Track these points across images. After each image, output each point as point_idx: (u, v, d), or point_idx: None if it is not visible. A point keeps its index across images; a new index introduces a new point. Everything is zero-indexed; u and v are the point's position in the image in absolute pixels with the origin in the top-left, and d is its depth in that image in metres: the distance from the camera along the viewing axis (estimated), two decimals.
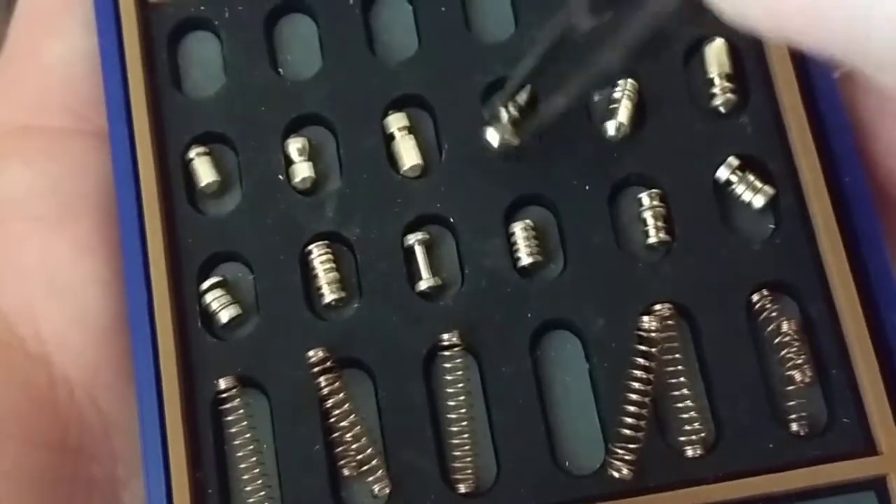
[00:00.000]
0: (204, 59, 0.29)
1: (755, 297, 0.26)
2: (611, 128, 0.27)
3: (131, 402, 0.26)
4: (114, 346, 0.27)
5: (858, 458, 0.24)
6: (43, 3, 0.30)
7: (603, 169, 0.27)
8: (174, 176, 0.28)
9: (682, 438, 0.25)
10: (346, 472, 0.25)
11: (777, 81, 0.27)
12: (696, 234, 0.27)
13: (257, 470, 0.25)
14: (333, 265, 0.27)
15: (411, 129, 0.28)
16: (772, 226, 0.27)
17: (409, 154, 0.28)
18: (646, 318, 0.25)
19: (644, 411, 0.25)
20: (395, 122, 0.28)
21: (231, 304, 0.27)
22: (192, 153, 0.28)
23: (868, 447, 0.25)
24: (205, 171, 0.28)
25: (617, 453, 0.25)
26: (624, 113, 0.27)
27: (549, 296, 0.26)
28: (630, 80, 0.27)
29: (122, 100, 0.28)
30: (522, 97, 0.27)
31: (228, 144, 0.28)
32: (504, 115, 0.26)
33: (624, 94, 0.27)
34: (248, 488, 0.25)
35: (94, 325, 0.27)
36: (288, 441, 0.26)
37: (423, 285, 0.27)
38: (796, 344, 0.25)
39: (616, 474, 0.24)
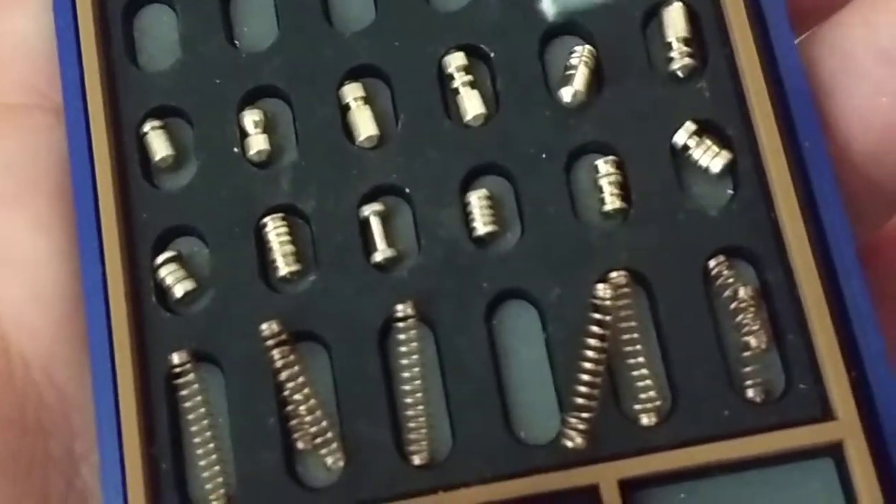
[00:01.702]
0: (159, 32, 0.29)
1: (712, 263, 0.26)
2: (567, 94, 0.27)
3: (88, 378, 0.26)
4: (70, 323, 0.27)
5: (815, 423, 0.24)
6: None
7: (559, 137, 0.27)
8: (129, 150, 0.28)
9: (637, 406, 0.25)
10: (300, 445, 0.25)
11: (736, 45, 0.27)
12: (652, 201, 0.26)
13: (212, 444, 0.25)
14: (289, 238, 0.27)
15: (367, 100, 0.28)
16: (730, 191, 0.26)
17: (364, 125, 0.27)
18: (600, 287, 0.25)
19: (598, 380, 0.24)
20: (351, 92, 0.28)
21: (185, 278, 0.27)
22: (146, 127, 0.28)
23: (825, 413, 0.24)
24: (159, 145, 0.28)
25: (571, 423, 0.24)
26: (580, 80, 0.27)
27: (505, 265, 0.26)
28: (587, 47, 0.27)
29: (77, 75, 0.28)
30: None
31: (184, 118, 0.28)
32: None
33: (581, 61, 0.27)
34: (203, 462, 0.25)
35: (51, 302, 0.27)
36: (242, 415, 0.25)
37: (378, 257, 0.26)
38: (753, 310, 0.25)
39: (570, 444, 0.24)
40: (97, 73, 0.28)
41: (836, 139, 0.27)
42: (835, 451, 0.24)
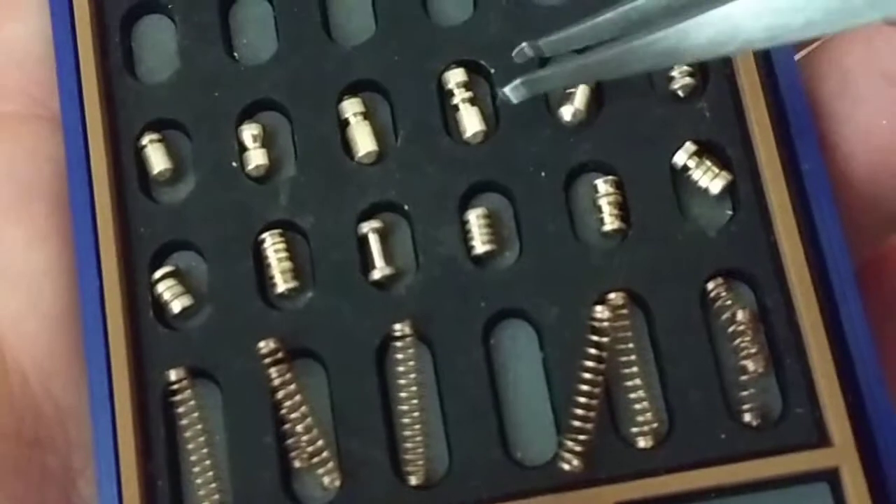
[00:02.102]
0: (158, 43, 0.29)
1: (710, 286, 0.26)
2: (567, 113, 0.27)
3: (86, 392, 0.26)
4: (68, 336, 0.27)
5: (811, 449, 0.24)
6: None
7: (559, 155, 0.27)
8: (127, 163, 0.28)
9: (634, 429, 0.25)
10: (297, 463, 0.25)
11: (737, 65, 0.27)
12: (651, 221, 0.26)
13: (208, 461, 0.25)
14: (287, 254, 0.27)
15: (367, 115, 0.28)
16: (729, 212, 0.26)
17: (363, 140, 0.27)
18: (598, 308, 0.25)
19: (595, 402, 0.24)
20: (350, 107, 0.28)
21: (183, 293, 0.26)
22: (144, 140, 0.28)
23: (821, 438, 0.24)
24: (158, 159, 0.28)
25: (567, 445, 0.24)
26: (580, 98, 0.27)
27: (504, 284, 0.26)
28: None
29: (74, 85, 0.28)
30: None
31: (182, 131, 0.28)
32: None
33: None
34: (199, 480, 0.25)
35: (48, 314, 0.27)
36: (239, 432, 0.25)
37: (376, 274, 0.26)
38: (750, 333, 0.25)
39: (566, 466, 0.24)
40: (95, 83, 0.28)
41: (835, 160, 0.26)
42: (831, 477, 0.24)
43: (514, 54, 0.26)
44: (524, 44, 0.26)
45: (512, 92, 0.26)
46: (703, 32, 0.22)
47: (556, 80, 0.26)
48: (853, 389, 0.25)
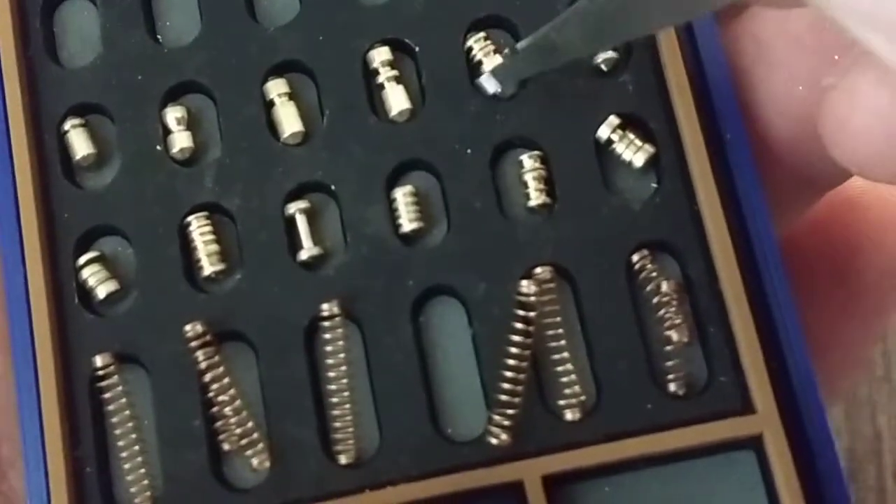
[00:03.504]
0: (80, 27, 0.28)
1: (635, 258, 0.26)
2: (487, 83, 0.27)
3: (13, 382, 0.26)
4: None
5: (736, 416, 0.24)
6: None
7: (484, 132, 0.27)
8: (49, 149, 0.27)
9: (561, 402, 0.25)
10: (226, 446, 0.25)
11: (658, 38, 0.27)
12: (577, 196, 0.26)
13: (137, 447, 0.25)
14: (213, 237, 0.26)
15: (292, 96, 0.27)
16: (653, 185, 0.27)
17: (289, 121, 0.27)
18: (524, 282, 0.25)
19: (522, 376, 0.25)
20: (275, 88, 0.27)
21: (108, 279, 0.26)
22: (67, 125, 0.27)
23: (745, 406, 0.25)
24: (80, 144, 0.27)
25: (496, 419, 0.25)
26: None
27: (432, 262, 0.26)
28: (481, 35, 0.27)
29: None
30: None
31: (105, 115, 0.28)
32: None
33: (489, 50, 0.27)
34: (128, 465, 0.25)
35: None
36: (167, 416, 0.25)
37: (304, 255, 0.26)
38: (675, 304, 0.25)
39: (494, 440, 0.24)
40: (16, 69, 0.27)
41: (756, 129, 0.27)
42: (756, 444, 0.24)
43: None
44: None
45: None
46: None
47: (527, 64, 0.26)
48: (777, 358, 0.25)
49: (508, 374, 0.25)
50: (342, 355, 0.25)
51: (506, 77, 0.26)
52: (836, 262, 0.30)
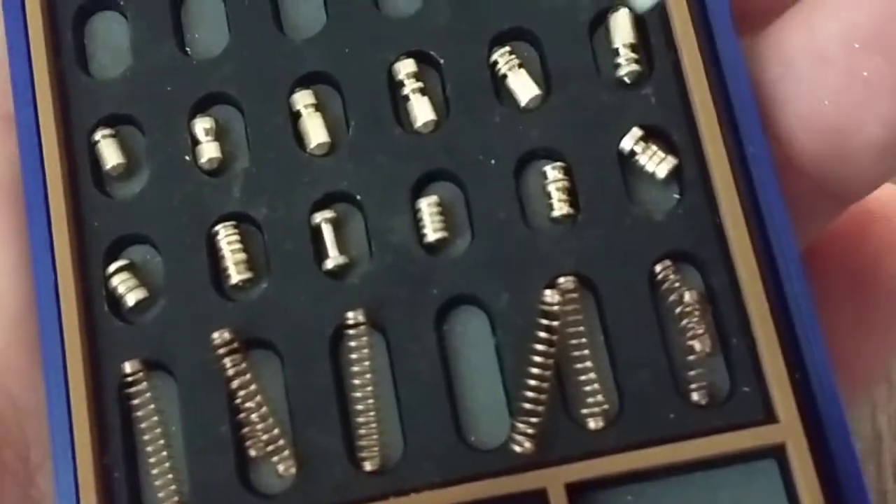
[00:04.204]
0: (110, 39, 0.29)
1: (658, 268, 0.26)
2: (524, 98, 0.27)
3: (43, 387, 0.26)
4: (24, 332, 0.27)
5: (758, 426, 0.24)
6: None
7: (508, 143, 0.27)
8: (80, 159, 0.28)
9: (584, 411, 0.25)
10: (252, 452, 0.25)
11: (681, 51, 0.27)
12: (600, 206, 0.27)
13: (164, 453, 0.26)
14: (240, 245, 0.27)
15: (318, 107, 0.28)
16: (676, 196, 0.27)
17: (315, 132, 0.28)
18: (548, 292, 0.25)
19: (545, 385, 0.25)
20: (302, 99, 0.28)
21: (137, 286, 0.27)
22: (97, 135, 0.28)
23: (768, 416, 0.25)
24: (111, 154, 0.28)
25: (519, 428, 0.25)
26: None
27: (456, 271, 0.26)
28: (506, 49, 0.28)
29: (27, 82, 0.28)
30: None
31: (135, 126, 0.28)
32: None
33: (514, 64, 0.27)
34: (156, 471, 0.25)
35: (4, 310, 0.27)
36: (194, 423, 0.26)
37: (329, 264, 0.27)
38: (698, 314, 0.25)
39: (518, 448, 0.25)
40: (48, 80, 0.28)
41: (780, 144, 0.27)
42: (778, 453, 0.24)
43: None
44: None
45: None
46: None
47: None
48: (799, 367, 0.25)
49: (532, 382, 0.25)
50: (367, 363, 0.26)
51: None
52: (857, 273, 0.30)
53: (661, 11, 0.27)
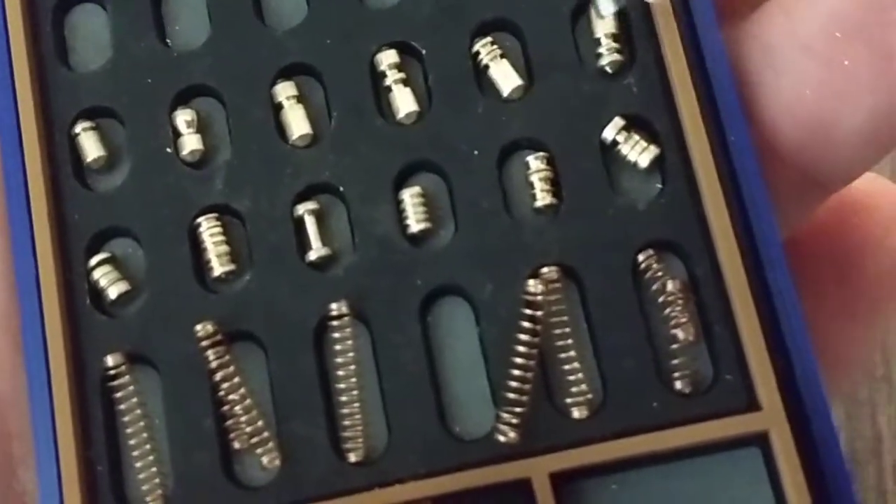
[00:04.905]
0: (90, 31, 0.29)
1: (641, 257, 0.26)
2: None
3: (24, 381, 0.26)
4: (6, 325, 0.27)
5: (741, 414, 0.25)
6: None
7: (491, 133, 0.27)
8: (60, 151, 0.27)
9: (568, 400, 0.25)
10: (237, 444, 0.25)
11: (663, 41, 0.27)
12: (583, 196, 0.27)
13: (148, 446, 0.25)
14: (223, 238, 0.27)
15: (300, 98, 0.28)
16: (658, 185, 0.27)
17: (297, 123, 0.28)
18: (531, 282, 0.25)
19: (529, 375, 0.25)
20: (284, 90, 0.28)
21: (119, 279, 0.27)
22: (78, 128, 0.28)
23: (751, 403, 0.25)
24: (91, 146, 0.28)
25: (504, 417, 0.25)
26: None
27: (439, 262, 0.26)
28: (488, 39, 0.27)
29: (7, 75, 0.28)
30: None
31: (116, 118, 0.28)
32: None
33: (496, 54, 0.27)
34: (139, 464, 0.25)
35: None
36: (178, 416, 0.26)
37: (312, 255, 0.27)
38: (681, 303, 0.25)
39: (502, 438, 0.25)
40: (27, 73, 0.28)
41: (762, 132, 0.27)
42: (761, 441, 0.25)
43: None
44: None
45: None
46: None
47: None
48: (782, 355, 0.25)
49: (516, 372, 0.25)
50: (351, 354, 0.26)
51: None
52: (839, 262, 0.30)
53: (642, 1, 0.27)
